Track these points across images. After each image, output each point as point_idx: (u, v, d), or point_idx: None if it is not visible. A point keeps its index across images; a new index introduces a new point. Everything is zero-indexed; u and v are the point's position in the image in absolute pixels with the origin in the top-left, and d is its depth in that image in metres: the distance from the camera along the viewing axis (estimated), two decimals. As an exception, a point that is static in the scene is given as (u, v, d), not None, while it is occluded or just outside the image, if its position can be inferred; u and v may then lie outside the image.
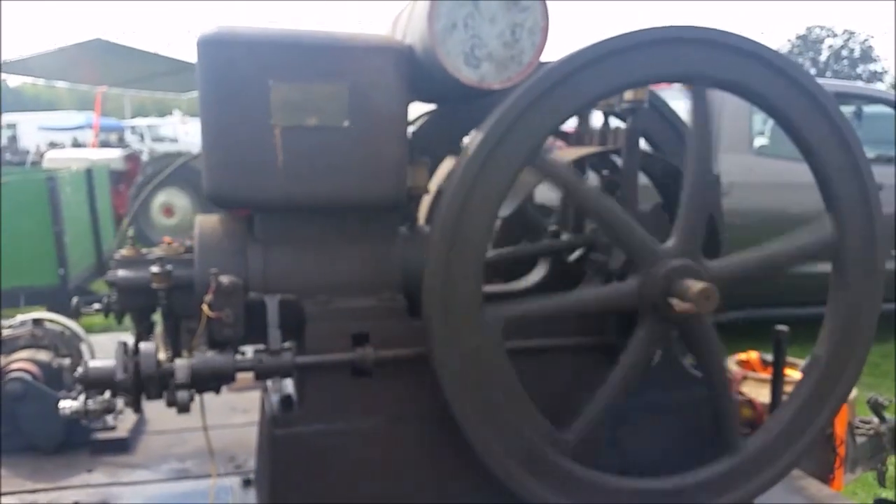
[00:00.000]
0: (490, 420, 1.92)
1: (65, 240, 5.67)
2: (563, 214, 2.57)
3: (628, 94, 2.15)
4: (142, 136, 21.09)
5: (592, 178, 2.50)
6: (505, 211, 2.01)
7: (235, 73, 1.88)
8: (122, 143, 19.74)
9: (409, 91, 2.00)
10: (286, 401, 2.10)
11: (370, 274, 2.06)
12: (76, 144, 21.96)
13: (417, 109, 2.38)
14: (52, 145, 17.41)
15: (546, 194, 2.66)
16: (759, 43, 1.93)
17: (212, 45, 1.88)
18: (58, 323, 2.95)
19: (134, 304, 2.10)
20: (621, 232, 1.97)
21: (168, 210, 11.50)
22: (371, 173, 1.99)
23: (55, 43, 13.40)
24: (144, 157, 13.38)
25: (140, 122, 23.22)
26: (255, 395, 3.17)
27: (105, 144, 18.03)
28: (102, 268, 6.62)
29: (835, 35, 51.95)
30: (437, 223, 1.83)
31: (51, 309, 3.82)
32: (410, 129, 2.30)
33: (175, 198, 11.49)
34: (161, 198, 11.46)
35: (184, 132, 21.16)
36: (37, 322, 2.93)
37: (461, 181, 1.80)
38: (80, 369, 1.93)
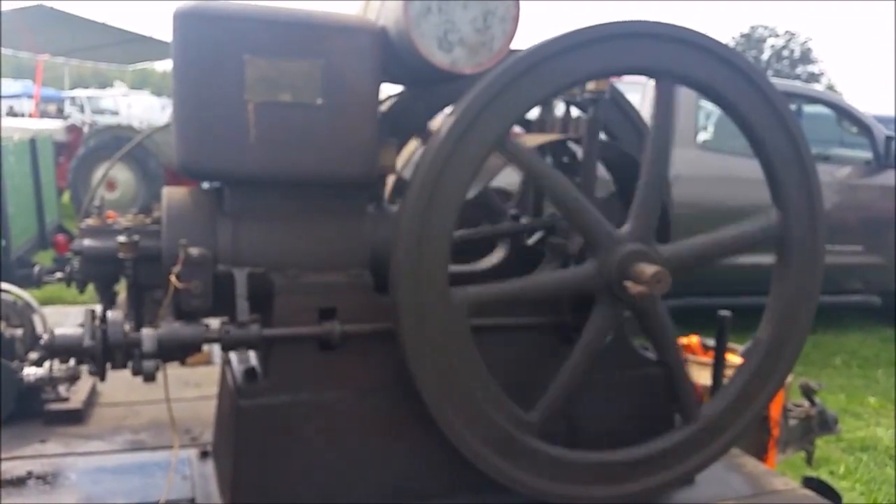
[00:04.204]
0: (453, 396, 1.99)
1: (7, 210, 5.53)
2: (523, 198, 2.65)
3: (590, 85, 2.22)
4: (82, 108, 20.45)
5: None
6: (470, 193, 2.07)
7: (211, 46, 1.89)
8: (61, 114, 19.15)
9: (381, 72, 2.04)
10: (250, 373, 2.12)
11: (338, 250, 2.11)
12: (12, 114, 21.22)
13: (386, 91, 2.42)
14: (-15, 114, 16.81)
15: (505, 178, 2.73)
16: (718, 41, 2.03)
17: (188, 18, 1.89)
18: (10, 293, 2.91)
19: (98, 274, 2.10)
20: (581, 217, 2.05)
21: (110, 184, 11.24)
22: (342, 151, 2.02)
23: (-6, 7, 12.96)
24: (86, 130, 13.00)
25: (80, 93, 22.50)
26: (206, 370, 3.19)
27: (44, 115, 17.48)
28: (44, 240, 6.47)
29: (777, 35, 53.32)
30: (407, 202, 1.89)
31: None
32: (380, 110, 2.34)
33: (118, 172, 11.23)
34: (103, 171, 11.18)
35: (125, 105, 20.60)
36: (-12, 291, 2.89)
37: (432, 162, 1.86)
38: (45, 336, 1.92)
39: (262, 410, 2.02)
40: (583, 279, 2.07)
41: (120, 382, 2.24)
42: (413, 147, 2.57)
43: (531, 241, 2.55)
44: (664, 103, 2.06)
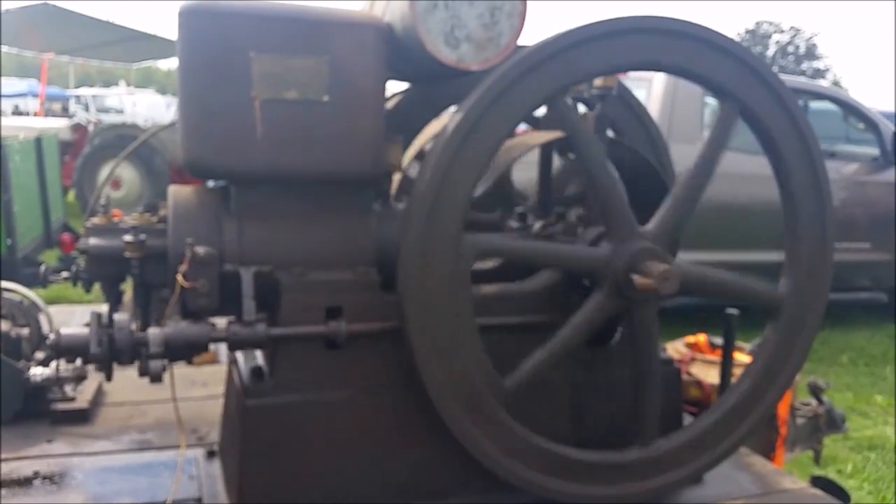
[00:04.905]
0: (460, 394, 1.98)
1: (13, 209, 5.51)
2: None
3: (598, 81, 2.21)
4: (87, 107, 20.49)
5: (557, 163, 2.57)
6: (477, 191, 2.06)
7: (217, 43, 1.89)
8: (66, 112, 19.19)
9: (387, 68, 2.03)
10: (257, 372, 2.12)
11: (345, 248, 2.10)
12: (17, 113, 21.26)
13: (393, 87, 2.41)
14: (-10, 112, 16.84)
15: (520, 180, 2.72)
16: (729, 37, 2.02)
17: (194, 16, 1.88)
18: (16, 292, 2.91)
19: (104, 273, 2.09)
20: (610, 197, 2.05)
21: (115, 182, 11.24)
22: (348, 148, 2.01)
23: (-1, 6, 12.98)
24: (91, 128, 13.01)
25: (85, 91, 22.56)
26: (213, 370, 3.18)
27: (49, 114, 17.51)
28: (50, 239, 6.46)
29: (782, 31, 53.12)
30: (415, 200, 1.88)
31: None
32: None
33: (123, 170, 11.23)
34: (108, 170, 11.17)
35: (130, 103, 20.64)
36: (-6, 291, 2.89)
37: (440, 159, 1.85)
38: (52, 336, 1.92)
39: (268, 410, 2.01)
40: (593, 259, 2.06)
41: (126, 382, 2.23)
42: (415, 152, 2.55)
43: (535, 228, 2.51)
44: (727, 120, 2.10)
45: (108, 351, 1.86)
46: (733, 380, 2.46)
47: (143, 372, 1.90)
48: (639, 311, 2.08)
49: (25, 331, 2.80)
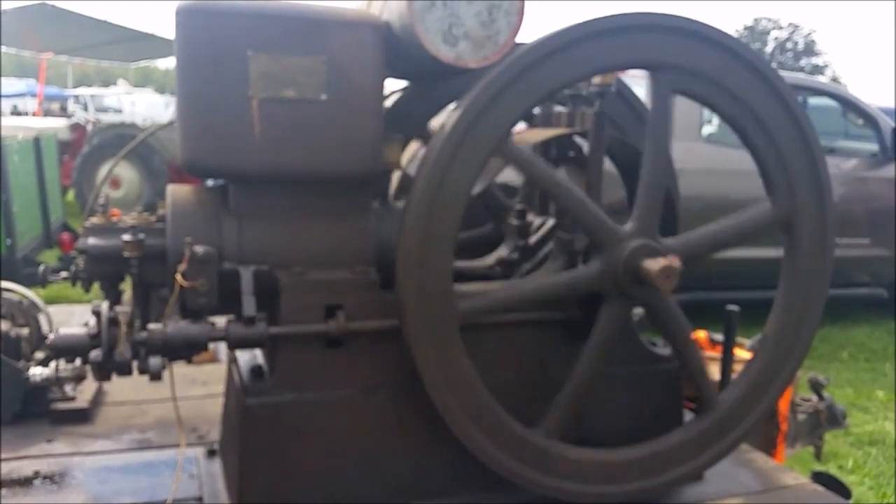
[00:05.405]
0: (459, 393, 1.98)
1: (12, 209, 5.52)
2: (528, 193, 2.63)
3: (597, 79, 2.21)
4: (85, 106, 20.46)
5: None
6: (475, 189, 2.06)
7: (214, 42, 1.89)
8: (65, 112, 19.17)
9: (385, 67, 2.03)
10: (257, 371, 2.12)
11: (344, 247, 2.10)
12: (16, 113, 21.24)
13: (391, 86, 2.40)
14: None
15: (509, 174, 2.71)
16: (727, 33, 2.01)
17: (191, 15, 1.88)
18: (15, 292, 2.91)
19: (103, 273, 2.09)
20: (583, 216, 2.04)
21: (115, 182, 11.23)
22: (346, 147, 2.01)
23: (-4, 6, 13.02)
24: (89, 128, 12.99)
25: (84, 91, 22.53)
26: (213, 368, 3.18)
27: (48, 114, 17.50)
28: (49, 238, 6.47)
29: (780, 27, 53.16)
30: (413, 198, 1.87)
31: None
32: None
33: (122, 170, 11.22)
34: (107, 169, 11.16)
35: (129, 103, 20.62)
36: (-7, 291, 2.89)
37: (438, 158, 1.84)
38: (51, 336, 1.92)
39: (268, 409, 2.01)
40: (589, 279, 2.05)
41: (126, 381, 2.22)
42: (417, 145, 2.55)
43: (534, 239, 2.52)
44: (662, 97, 2.03)
45: (107, 347, 1.86)
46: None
47: (142, 370, 1.90)
48: (654, 303, 2.08)
49: (25, 331, 2.81)
